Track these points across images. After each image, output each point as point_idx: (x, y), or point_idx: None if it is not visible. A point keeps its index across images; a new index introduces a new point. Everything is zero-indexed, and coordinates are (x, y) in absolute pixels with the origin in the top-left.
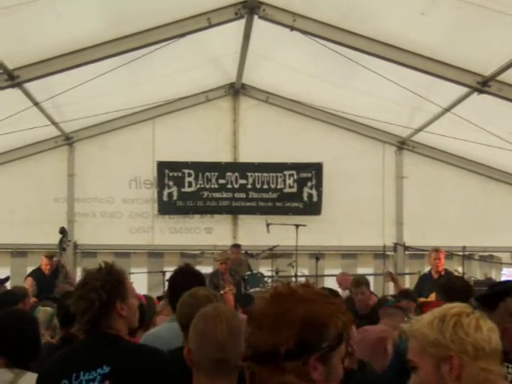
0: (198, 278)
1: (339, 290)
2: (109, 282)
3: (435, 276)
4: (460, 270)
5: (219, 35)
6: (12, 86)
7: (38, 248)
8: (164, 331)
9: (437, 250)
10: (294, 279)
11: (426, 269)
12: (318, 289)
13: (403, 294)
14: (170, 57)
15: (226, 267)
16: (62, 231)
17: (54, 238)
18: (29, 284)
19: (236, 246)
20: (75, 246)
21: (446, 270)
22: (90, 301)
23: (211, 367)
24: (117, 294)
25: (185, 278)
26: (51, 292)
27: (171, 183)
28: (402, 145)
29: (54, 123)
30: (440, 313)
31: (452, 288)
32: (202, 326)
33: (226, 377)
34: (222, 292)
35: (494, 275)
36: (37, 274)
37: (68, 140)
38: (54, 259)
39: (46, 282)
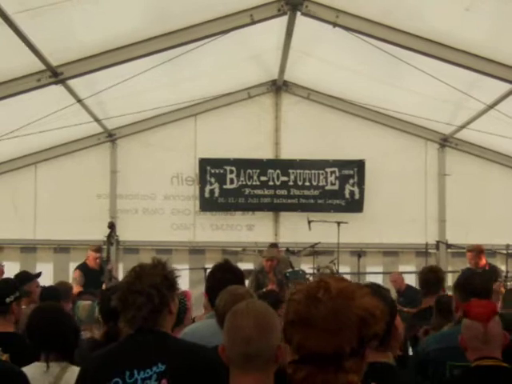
0: (237, 275)
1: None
2: (167, 278)
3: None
4: (503, 268)
5: (262, 32)
6: (55, 83)
7: (81, 244)
8: (202, 328)
9: (469, 249)
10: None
11: (469, 264)
12: (348, 280)
13: None
14: (212, 53)
15: (272, 265)
16: (111, 226)
17: (97, 235)
18: (77, 275)
19: (274, 245)
20: (117, 242)
21: (489, 264)
22: (149, 296)
23: (241, 362)
24: (172, 291)
25: (223, 275)
26: (97, 287)
27: (213, 180)
28: (445, 142)
29: (97, 120)
30: None
31: (469, 286)
32: (231, 321)
33: (260, 372)
34: (264, 290)
35: None
36: (83, 268)
37: (111, 137)
38: (103, 255)
39: (92, 276)
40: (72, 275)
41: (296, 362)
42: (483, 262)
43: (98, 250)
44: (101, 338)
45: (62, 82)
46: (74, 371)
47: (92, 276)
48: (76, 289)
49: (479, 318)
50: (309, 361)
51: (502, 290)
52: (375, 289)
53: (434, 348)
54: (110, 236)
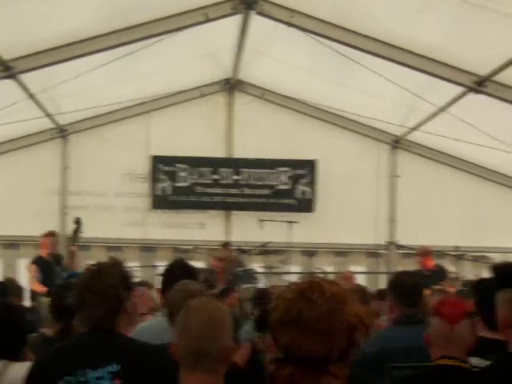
0: (191, 273)
1: None
2: (124, 278)
3: (426, 273)
4: (452, 269)
5: (216, 30)
6: (7, 77)
7: (31, 240)
8: (154, 325)
9: (418, 253)
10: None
11: (418, 266)
12: (340, 284)
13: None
14: (166, 51)
15: (222, 266)
16: (77, 221)
17: (46, 231)
18: (33, 271)
19: (227, 244)
20: (68, 239)
21: (437, 265)
22: (106, 296)
23: (190, 361)
24: (129, 291)
25: (178, 272)
26: (53, 280)
27: (165, 178)
28: (397, 143)
29: (49, 115)
30: None
31: (403, 287)
32: (182, 319)
33: (209, 371)
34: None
35: (486, 276)
36: (39, 261)
37: (62, 132)
38: (73, 248)
39: (49, 269)
40: (27, 270)
41: (281, 361)
42: (431, 263)
43: (52, 234)
44: (54, 335)
45: (14, 76)
46: (17, 368)
47: (49, 268)
48: (35, 286)
49: (446, 318)
50: (295, 361)
51: (451, 289)
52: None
53: (372, 351)
54: (75, 232)
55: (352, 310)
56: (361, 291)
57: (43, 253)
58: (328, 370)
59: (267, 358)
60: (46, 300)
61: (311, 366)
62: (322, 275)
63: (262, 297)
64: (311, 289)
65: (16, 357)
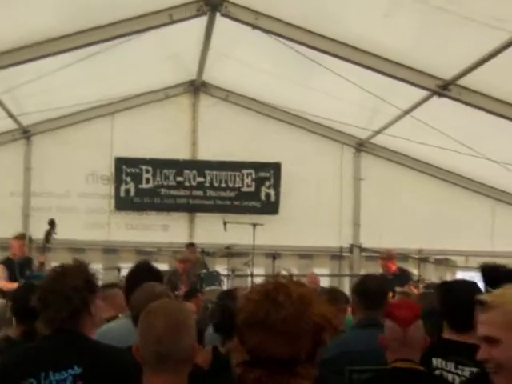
0: (156, 275)
1: None
2: (89, 280)
3: (389, 277)
4: (415, 272)
5: (181, 32)
6: None
7: None
8: (117, 328)
9: (381, 257)
10: (250, 278)
11: (381, 270)
12: (307, 286)
13: None
14: (130, 52)
15: (185, 267)
16: (51, 223)
17: (9, 232)
18: (0, 272)
19: (191, 245)
20: (30, 240)
21: (400, 268)
22: (68, 297)
23: (154, 362)
24: (93, 293)
25: (142, 275)
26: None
27: (129, 179)
28: (361, 146)
29: (12, 116)
30: None
31: (365, 290)
32: (144, 320)
33: (172, 372)
34: (176, 293)
35: (448, 278)
36: (6, 262)
37: (26, 133)
38: (42, 256)
39: (18, 269)
40: None
41: (248, 364)
42: (394, 267)
43: (22, 236)
44: (17, 337)
45: None
46: None
47: (18, 268)
48: (4, 284)
49: (399, 321)
50: (261, 364)
51: (415, 291)
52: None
53: (332, 354)
54: (48, 233)
55: (318, 311)
56: (334, 292)
57: (12, 254)
58: (296, 371)
59: (233, 360)
60: (1, 301)
61: (278, 368)
62: (288, 276)
63: (223, 298)
64: (277, 290)
65: None
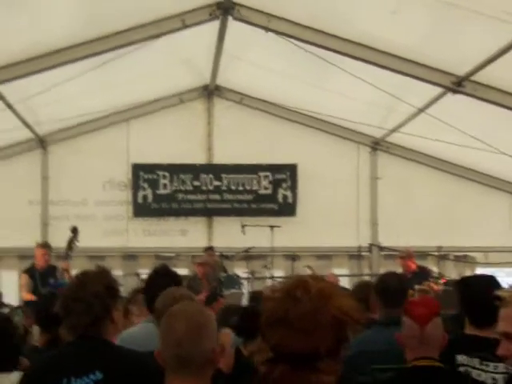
0: (175, 279)
1: None
2: (110, 287)
3: (408, 275)
4: (435, 269)
5: (193, 36)
6: None
7: (11, 251)
8: (139, 332)
9: (400, 256)
10: (270, 281)
11: (401, 269)
12: (327, 280)
13: None
14: (143, 58)
15: (204, 271)
16: (74, 230)
17: (28, 241)
18: (23, 280)
19: (210, 249)
20: (50, 248)
21: (419, 266)
22: (90, 304)
23: (175, 365)
24: (115, 300)
25: (161, 279)
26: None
27: (146, 185)
28: (376, 145)
29: (28, 126)
30: None
31: (385, 288)
32: (165, 324)
33: (193, 375)
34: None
35: (468, 275)
36: (30, 271)
37: (42, 143)
38: (65, 263)
39: (41, 278)
40: (19, 280)
41: (271, 361)
42: (413, 266)
43: (45, 245)
44: (42, 345)
45: None
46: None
47: (39, 278)
48: (24, 295)
49: (417, 319)
50: (284, 360)
51: (435, 287)
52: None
53: (352, 352)
54: (71, 241)
55: (339, 305)
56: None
57: (36, 263)
58: (317, 366)
59: (255, 361)
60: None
61: (300, 364)
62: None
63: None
64: (296, 287)
65: (11, 367)
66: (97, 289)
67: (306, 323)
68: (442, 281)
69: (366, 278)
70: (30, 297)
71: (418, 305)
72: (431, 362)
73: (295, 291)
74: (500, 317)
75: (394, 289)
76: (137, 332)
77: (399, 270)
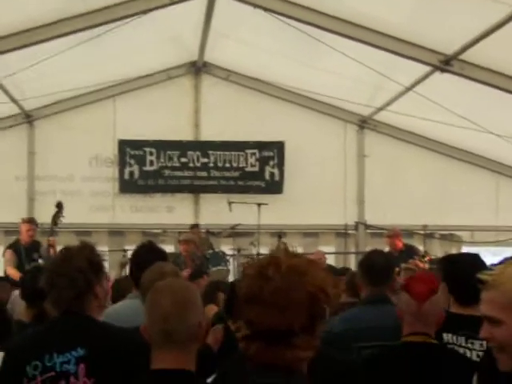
0: (161, 255)
1: None
2: (93, 262)
3: (395, 253)
4: (421, 248)
5: (181, 13)
6: None
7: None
8: (124, 309)
9: (387, 235)
10: (256, 258)
11: (387, 247)
12: (302, 256)
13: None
14: (131, 34)
15: (187, 248)
16: (58, 205)
17: (14, 216)
18: (8, 255)
19: (195, 226)
20: (36, 224)
21: (406, 245)
22: (73, 279)
23: (161, 340)
24: (99, 275)
25: (147, 255)
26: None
27: (132, 162)
28: (364, 123)
29: (14, 101)
30: None
31: (371, 266)
32: (150, 299)
33: (180, 349)
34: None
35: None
36: (15, 246)
37: (28, 118)
38: (51, 238)
39: (26, 254)
40: (2, 256)
41: (247, 338)
42: (400, 244)
43: (30, 221)
44: (28, 320)
45: None
46: None
47: (24, 253)
48: (9, 270)
49: (414, 295)
50: (259, 337)
51: (421, 265)
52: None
53: (339, 330)
54: (56, 216)
55: (313, 281)
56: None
57: (21, 238)
58: (292, 342)
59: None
60: None
61: (275, 340)
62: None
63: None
64: (268, 264)
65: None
66: (80, 264)
67: (278, 300)
68: (427, 259)
69: (353, 256)
70: (13, 272)
71: (418, 281)
72: (424, 338)
73: (267, 269)
74: (482, 299)
75: (380, 267)
76: (122, 308)
77: (386, 249)
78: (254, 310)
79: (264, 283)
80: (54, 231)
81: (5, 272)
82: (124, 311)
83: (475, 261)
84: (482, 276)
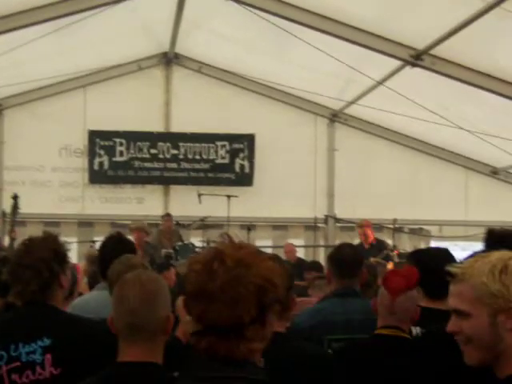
0: (129, 246)
1: None
2: (57, 252)
3: (366, 246)
4: (390, 242)
5: (153, 3)
6: None
7: None
8: (92, 299)
9: (360, 225)
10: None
11: (357, 241)
12: (248, 246)
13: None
14: (102, 24)
15: (139, 237)
16: (15, 197)
17: None
18: None
19: (167, 215)
20: (3, 214)
21: (376, 239)
22: (38, 270)
23: (128, 333)
24: (63, 265)
25: (115, 246)
26: None
27: (102, 152)
28: (334, 117)
29: None
30: (500, 263)
31: (340, 259)
32: (118, 292)
33: (147, 343)
34: None
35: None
36: None
37: None
38: (13, 234)
39: None
40: None
41: (198, 333)
42: (372, 236)
43: None
44: None
45: None
46: None
47: None
48: None
49: (389, 290)
50: (210, 331)
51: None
52: (275, 259)
53: (309, 324)
54: (14, 208)
55: (258, 273)
56: None
57: None
58: (243, 335)
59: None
60: None
61: (225, 334)
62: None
63: None
64: (213, 259)
65: None
66: (44, 254)
67: (225, 295)
68: (396, 253)
69: (322, 250)
70: None
71: (395, 275)
72: (395, 332)
73: (212, 263)
74: (450, 293)
75: (350, 259)
76: (89, 299)
77: (355, 242)
78: (201, 306)
79: (209, 278)
80: (16, 222)
81: None
82: (91, 302)
83: (445, 255)
84: (452, 269)
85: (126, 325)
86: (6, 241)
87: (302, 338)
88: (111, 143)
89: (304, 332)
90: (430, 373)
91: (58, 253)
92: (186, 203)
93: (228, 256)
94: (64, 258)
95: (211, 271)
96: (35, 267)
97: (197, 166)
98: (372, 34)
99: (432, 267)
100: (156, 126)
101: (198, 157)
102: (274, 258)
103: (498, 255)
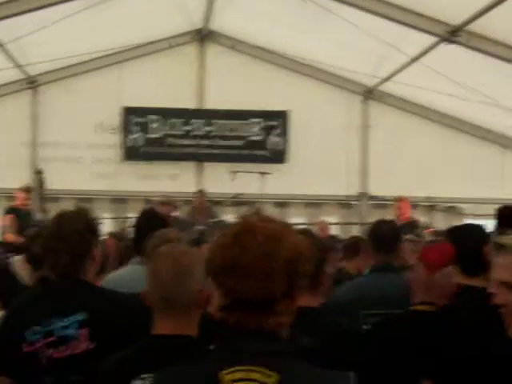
0: (163, 221)
1: None
2: (89, 225)
3: (399, 223)
4: (424, 219)
5: None
6: None
7: (3, 193)
8: (126, 274)
9: (398, 199)
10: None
11: (392, 218)
12: (276, 220)
13: None
14: (137, 0)
15: (166, 212)
16: (39, 172)
17: (18, 183)
18: (9, 221)
19: (200, 192)
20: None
21: (410, 217)
22: (70, 242)
23: (162, 307)
24: (95, 238)
25: (149, 221)
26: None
27: (136, 129)
28: (369, 94)
29: (18, 66)
30: None
31: (379, 235)
32: (151, 265)
33: (181, 316)
34: None
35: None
36: (15, 211)
37: (32, 83)
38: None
39: (24, 220)
40: (2, 221)
41: (227, 307)
42: (409, 212)
43: (28, 189)
44: (33, 285)
45: None
46: None
47: (24, 220)
48: (9, 237)
49: (427, 266)
50: (240, 306)
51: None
52: (306, 233)
53: (347, 299)
54: (40, 182)
55: (288, 246)
56: None
57: (18, 205)
58: (273, 310)
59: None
60: None
61: (256, 309)
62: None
63: None
64: (243, 232)
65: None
66: (76, 226)
67: (257, 270)
68: (430, 231)
69: (355, 227)
70: (14, 238)
71: (432, 251)
72: (431, 308)
73: (242, 236)
74: (497, 264)
75: (388, 235)
76: (124, 274)
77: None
78: (232, 280)
79: (240, 252)
80: (46, 198)
81: (5, 238)
82: (126, 277)
83: (481, 232)
84: (500, 240)
85: (159, 298)
86: (39, 217)
87: (340, 312)
88: (145, 120)
89: (342, 307)
90: (463, 350)
91: (89, 225)
92: (219, 180)
93: (259, 229)
94: (96, 231)
95: (242, 245)
96: (67, 239)
97: (230, 142)
98: (407, 10)
99: (469, 244)
100: (189, 104)
101: (231, 134)
102: (306, 231)
103: None
